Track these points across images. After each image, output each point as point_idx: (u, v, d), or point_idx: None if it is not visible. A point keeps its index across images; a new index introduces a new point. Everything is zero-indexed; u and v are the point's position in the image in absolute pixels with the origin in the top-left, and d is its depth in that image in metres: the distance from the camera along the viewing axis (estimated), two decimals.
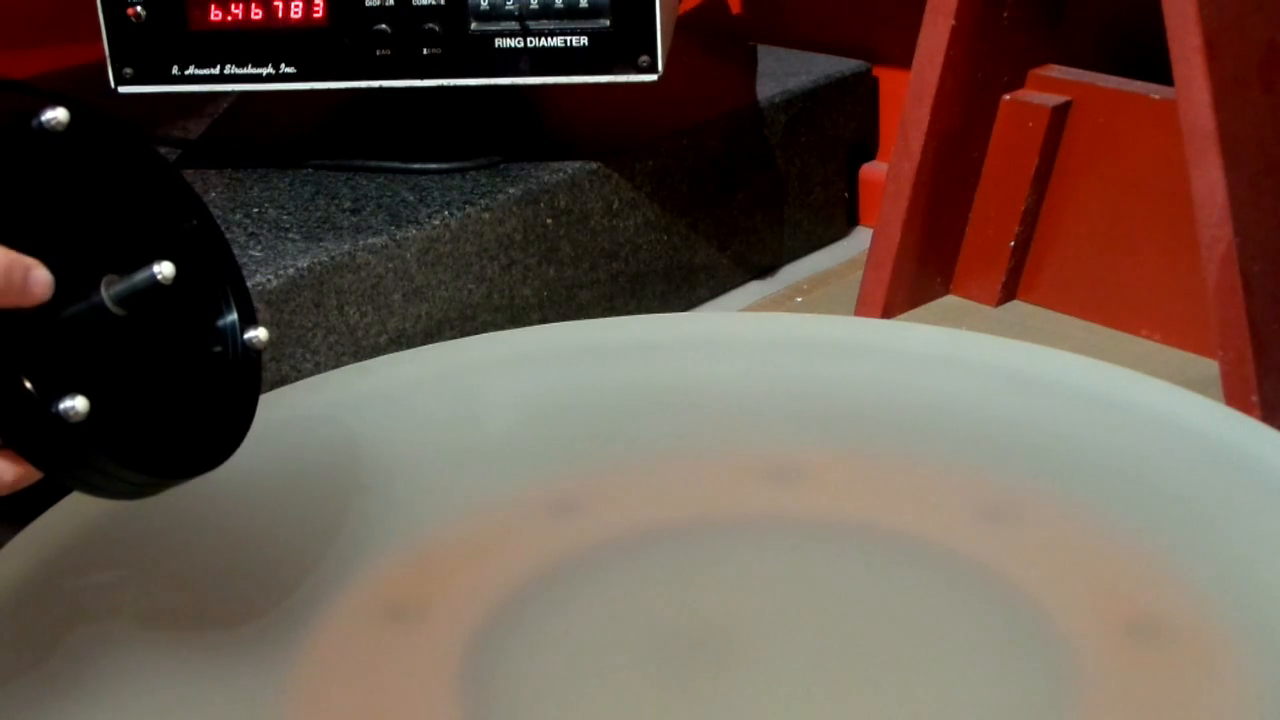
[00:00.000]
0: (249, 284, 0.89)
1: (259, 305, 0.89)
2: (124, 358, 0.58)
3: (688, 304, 1.14)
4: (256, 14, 0.97)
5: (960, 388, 0.86)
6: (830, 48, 1.25)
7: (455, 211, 0.98)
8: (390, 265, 0.95)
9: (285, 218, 0.98)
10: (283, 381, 0.90)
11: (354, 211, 0.99)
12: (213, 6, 0.96)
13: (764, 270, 1.19)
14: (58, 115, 0.55)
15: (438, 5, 0.96)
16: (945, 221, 1.10)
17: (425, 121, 1.08)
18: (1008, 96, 1.07)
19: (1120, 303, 1.06)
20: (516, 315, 1.02)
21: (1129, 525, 0.75)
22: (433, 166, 1.04)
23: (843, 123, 1.22)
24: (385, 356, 0.91)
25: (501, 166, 1.04)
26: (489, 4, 0.96)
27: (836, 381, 0.87)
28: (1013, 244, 1.09)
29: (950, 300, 1.12)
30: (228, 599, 0.72)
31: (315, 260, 0.92)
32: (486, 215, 0.99)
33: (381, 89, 0.98)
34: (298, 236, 0.95)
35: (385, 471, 0.80)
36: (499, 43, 0.97)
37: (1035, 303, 1.10)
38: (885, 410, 0.85)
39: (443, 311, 0.98)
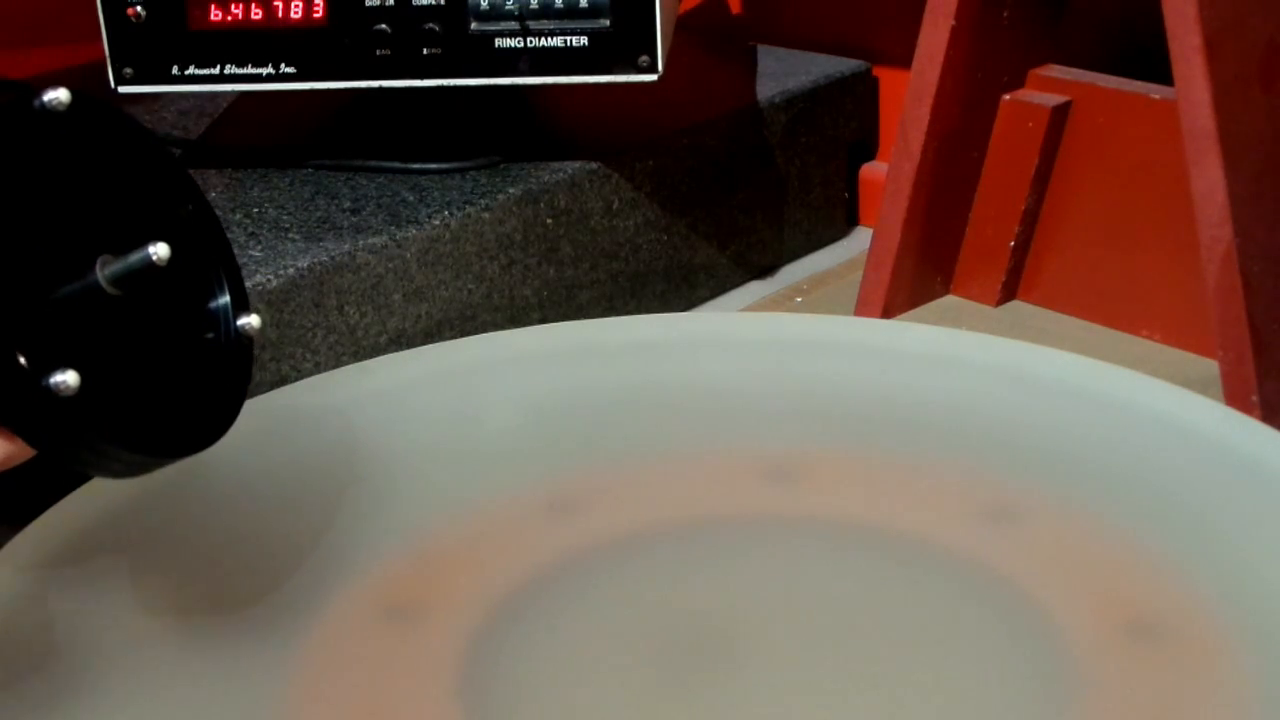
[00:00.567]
0: (249, 284, 0.89)
1: (259, 305, 0.89)
2: (117, 337, 0.58)
3: (688, 304, 1.14)
4: (256, 14, 0.97)
5: (960, 388, 0.86)
6: (830, 48, 1.25)
7: (455, 211, 0.98)
8: (390, 265, 0.95)
9: (285, 218, 0.98)
10: (283, 381, 0.90)
11: (354, 211, 0.99)
12: (213, 6, 0.96)
13: (764, 270, 1.19)
14: (59, 96, 0.56)
15: (438, 5, 0.96)
16: (945, 221, 1.10)
17: (425, 121, 1.08)
18: (1008, 96, 1.07)
19: (1120, 303, 1.06)
20: (516, 315, 1.02)
21: (1129, 525, 0.75)
22: (433, 166, 1.04)
23: (843, 123, 1.22)
24: (385, 356, 0.91)
25: (501, 166, 1.04)
26: (489, 4, 0.96)
27: (836, 381, 0.87)
28: (1013, 244, 1.09)
29: (950, 300, 1.12)
30: (227, 599, 0.72)
31: (315, 260, 0.92)
32: (486, 215, 0.99)
33: (381, 89, 0.98)
34: (298, 236, 0.95)
35: (385, 471, 0.80)
36: (499, 43, 0.97)
37: (1035, 303, 1.10)
38: (885, 410, 0.85)
39: (443, 311, 0.98)
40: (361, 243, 0.94)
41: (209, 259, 0.64)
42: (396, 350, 0.95)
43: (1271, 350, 0.93)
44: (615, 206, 1.06)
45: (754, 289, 1.17)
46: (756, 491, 0.80)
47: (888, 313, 1.08)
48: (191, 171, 1.03)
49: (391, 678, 0.67)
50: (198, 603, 0.72)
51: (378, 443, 0.82)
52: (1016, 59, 1.07)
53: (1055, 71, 1.07)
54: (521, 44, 0.96)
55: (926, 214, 1.08)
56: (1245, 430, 0.79)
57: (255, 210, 0.99)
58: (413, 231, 0.96)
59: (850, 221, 1.26)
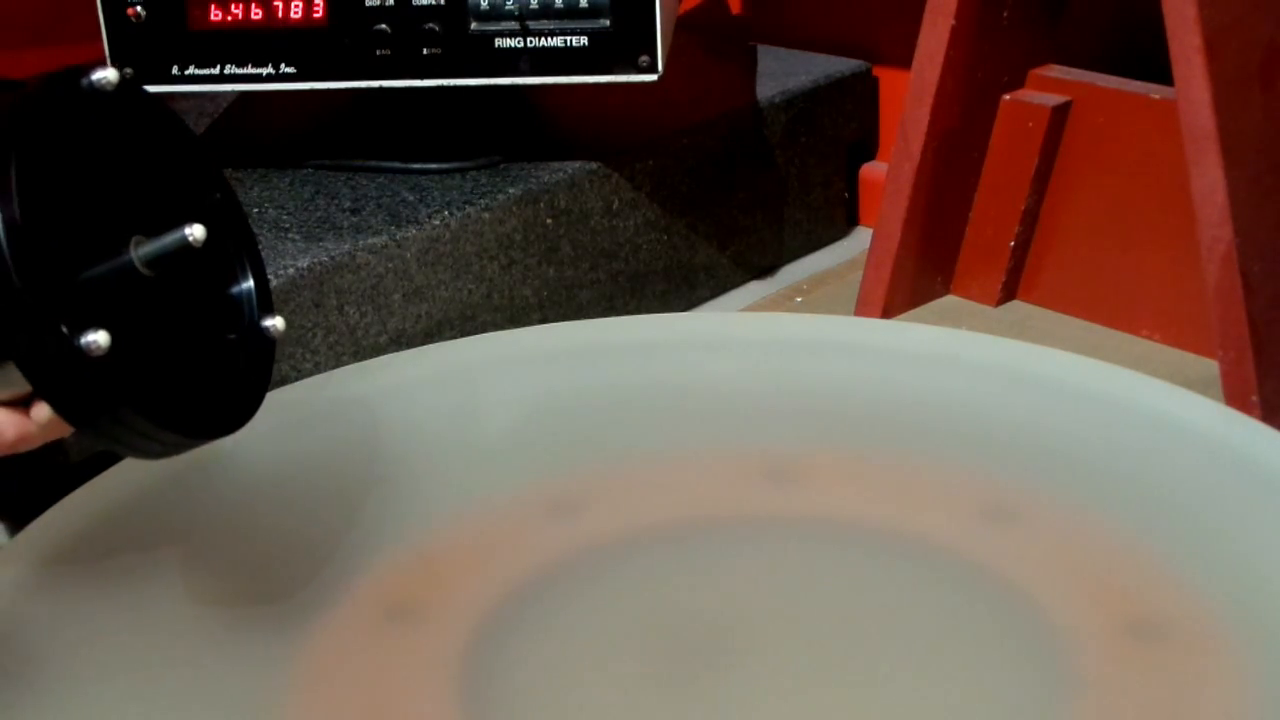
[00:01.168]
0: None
1: None
2: (148, 317, 0.58)
3: (688, 304, 1.14)
4: (256, 14, 0.97)
5: (960, 388, 0.86)
6: (830, 48, 1.25)
7: (455, 211, 0.98)
8: (390, 265, 0.95)
9: (285, 218, 0.98)
10: (283, 381, 0.90)
11: (354, 211, 0.99)
12: (213, 6, 0.96)
13: (764, 270, 1.19)
14: (108, 76, 0.57)
15: (438, 5, 0.96)
16: (945, 221, 1.10)
17: (425, 121, 1.08)
18: (1008, 96, 1.07)
19: (1120, 303, 1.06)
20: (516, 315, 1.02)
21: (1129, 525, 0.75)
22: (433, 166, 1.04)
23: (843, 123, 1.22)
24: (385, 356, 0.91)
25: (501, 166, 1.04)
26: (489, 4, 0.96)
27: (836, 381, 0.87)
28: (1013, 244, 1.09)
29: (950, 300, 1.12)
30: (228, 598, 0.72)
31: (315, 260, 0.92)
32: (486, 215, 0.99)
33: (381, 89, 0.98)
34: (298, 236, 0.95)
35: (385, 471, 0.80)
36: (499, 43, 0.97)
37: (1035, 303, 1.10)
38: (885, 410, 0.85)
39: (443, 311, 0.98)
40: (361, 243, 0.94)
41: (234, 246, 0.64)
42: (396, 350, 0.95)
43: (1271, 350, 0.93)
44: (615, 206, 1.06)
45: (754, 289, 1.17)
46: (756, 491, 0.80)
47: (888, 313, 1.08)
48: None
49: (391, 678, 0.67)
50: (198, 602, 0.72)
51: (378, 443, 0.82)
52: (1016, 59, 1.07)
53: (1055, 71, 1.07)
54: (521, 44, 0.96)
55: (926, 214, 1.08)
56: (1245, 430, 0.79)
57: (255, 210, 0.99)
58: (413, 231, 0.96)
59: (850, 221, 1.26)
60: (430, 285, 0.97)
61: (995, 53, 1.05)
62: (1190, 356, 1.02)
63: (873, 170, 1.25)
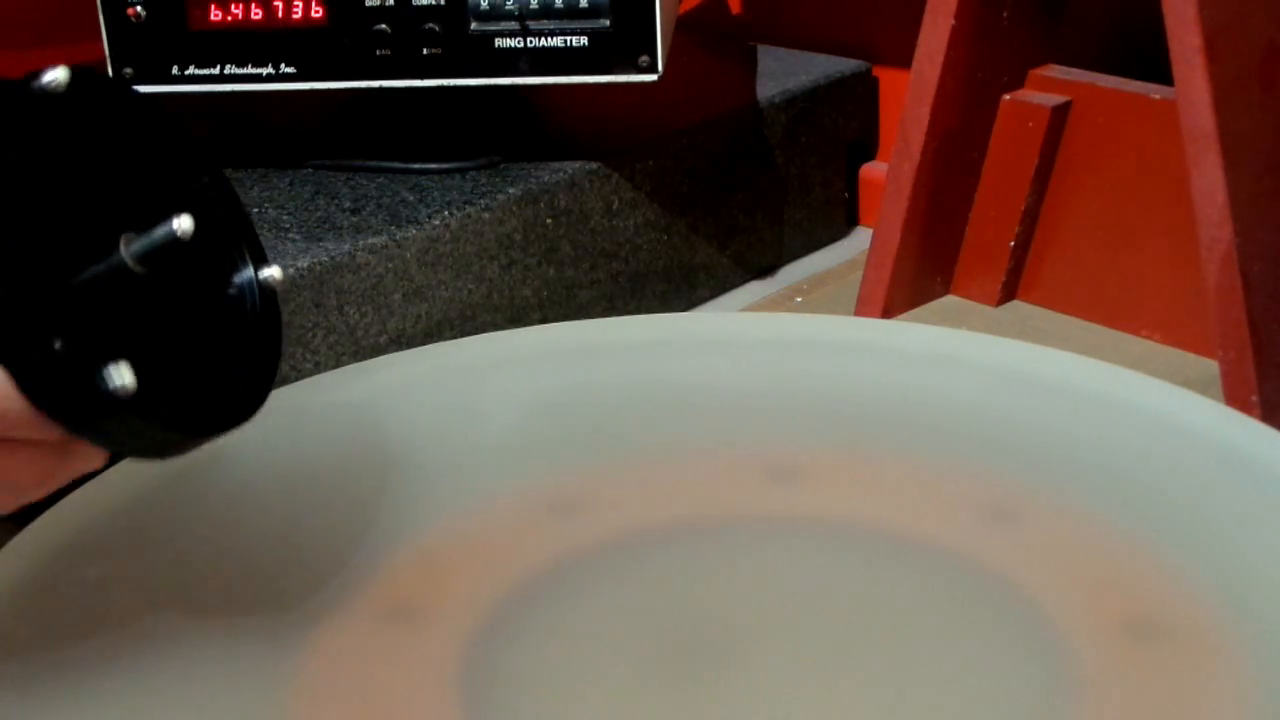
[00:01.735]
0: None
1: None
2: (149, 317, 0.57)
3: (688, 304, 1.14)
4: (256, 14, 0.97)
5: (960, 388, 0.86)
6: (830, 48, 1.25)
7: (455, 211, 0.98)
8: (390, 265, 0.95)
9: (285, 218, 0.98)
10: (283, 381, 0.90)
11: (354, 211, 0.99)
12: (213, 6, 0.97)
13: (764, 270, 1.19)
14: (57, 76, 0.55)
15: (438, 5, 0.96)
16: (945, 221, 1.10)
17: (425, 121, 1.08)
18: (1008, 96, 1.07)
19: (1120, 303, 1.06)
20: (516, 315, 1.02)
21: (1129, 525, 0.75)
22: (433, 166, 1.04)
23: (843, 123, 1.22)
24: (385, 356, 0.91)
25: (501, 166, 1.04)
26: (489, 4, 0.96)
27: (836, 381, 0.87)
28: (1013, 244, 1.09)
29: (950, 300, 1.12)
30: (226, 598, 0.72)
31: (315, 260, 0.92)
32: (486, 215, 0.99)
33: (381, 89, 0.98)
34: (298, 236, 0.95)
35: (384, 471, 0.80)
36: (499, 43, 0.97)
37: (1035, 303, 1.10)
38: (885, 410, 0.85)
39: (443, 311, 0.98)
40: (361, 243, 0.94)
41: (228, 228, 0.63)
42: (396, 350, 0.95)
43: (1271, 350, 0.93)
44: (615, 206, 1.06)
45: (754, 289, 1.17)
46: (757, 491, 0.80)
47: (888, 313, 1.08)
48: None
49: (391, 678, 0.67)
50: (197, 602, 0.71)
51: (377, 443, 0.82)
52: (1016, 59, 1.07)
53: (1055, 71, 1.07)
54: (521, 44, 0.96)
55: (926, 214, 1.08)
56: (1245, 430, 0.79)
57: (255, 210, 0.99)
58: (413, 231, 0.96)
59: (850, 221, 1.26)
60: (430, 285, 0.97)
61: (995, 53, 1.05)
62: (1190, 356, 1.02)
63: (873, 170, 1.25)
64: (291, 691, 0.66)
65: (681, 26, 1.10)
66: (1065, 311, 1.09)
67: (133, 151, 0.60)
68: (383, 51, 0.97)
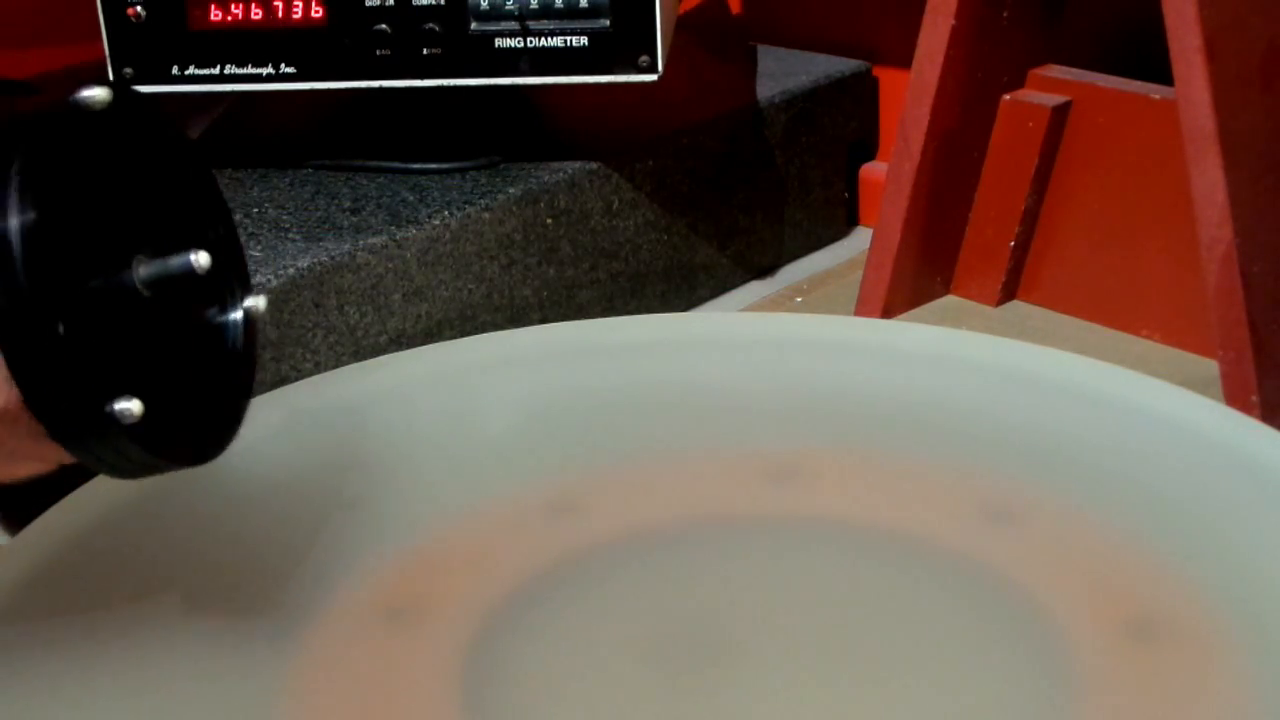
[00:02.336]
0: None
1: None
2: (145, 340, 0.58)
3: (688, 304, 1.14)
4: (256, 14, 0.97)
5: (960, 388, 0.86)
6: (830, 48, 1.25)
7: (455, 211, 0.98)
8: (390, 265, 0.95)
9: (285, 218, 0.98)
10: (283, 381, 0.90)
11: (354, 211, 0.99)
12: (213, 6, 0.96)
13: (764, 270, 1.19)
14: (97, 95, 0.56)
15: (438, 5, 0.96)
16: (945, 221, 1.10)
17: (425, 121, 1.08)
18: (1008, 96, 1.07)
19: (1120, 303, 1.06)
20: (516, 315, 1.02)
21: (1129, 525, 0.75)
22: (433, 166, 1.04)
23: (843, 123, 1.22)
24: (385, 356, 0.91)
25: (501, 166, 1.04)
26: (489, 4, 0.96)
27: (836, 381, 0.87)
28: (1013, 244, 1.09)
29: (950, 300, 1.12)
30: (226, 599, 0.72)
31: (315, 260, 0.92)
32: (486, 215, 0.99)
33: (381, 89, 0.98)
34: (298, 236, 0.95)
35: (385, 471, 0.80)
36: (499, 43, 0.97)
37: (1035, 303, 1.10)
38: (885, 410, 0.85)
39: (443, 311, 0.99)
40: (361, 243, 0.94)
41: (227, 263, 0.63)
42: (396, 350, 0.95)
43: (1271, 350, 0.93)
44: (615, 206, 1.06)
45: (754, 289, 1.17)
46: (756, 491, 0.80)
47: (888, 313, 1.08)
48: None
49: (391, 678, 0.67)
50: (197, 602, 0.71)
51: (377, 443, 0.82)
52: (1016, 59, 1.07)
53: (1055, 71, 1.07)
54: (521, 44, 0.96)
55: (926, 214, 1.08)
56: (1245, 430, 0.79)
57: (255, 210, 0.99)
58: (413, 231, 0.96)
59: (850, 221, 1.26)
60: (430, 285, 0.97)
61: (995, 53, 1.05)
62: (1190, 356, 1.02)
63: (873, 170, 1.25)
64: (291, 691, 0.66)
65: (681, 26, 1.10)
66: (1065, 311, 1.09)
67: (158, 180, 0.60)
68: (383, 51, 0.97)
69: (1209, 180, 0.91)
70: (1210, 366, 0.96)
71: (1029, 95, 1.07)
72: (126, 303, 0.57)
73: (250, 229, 0.96)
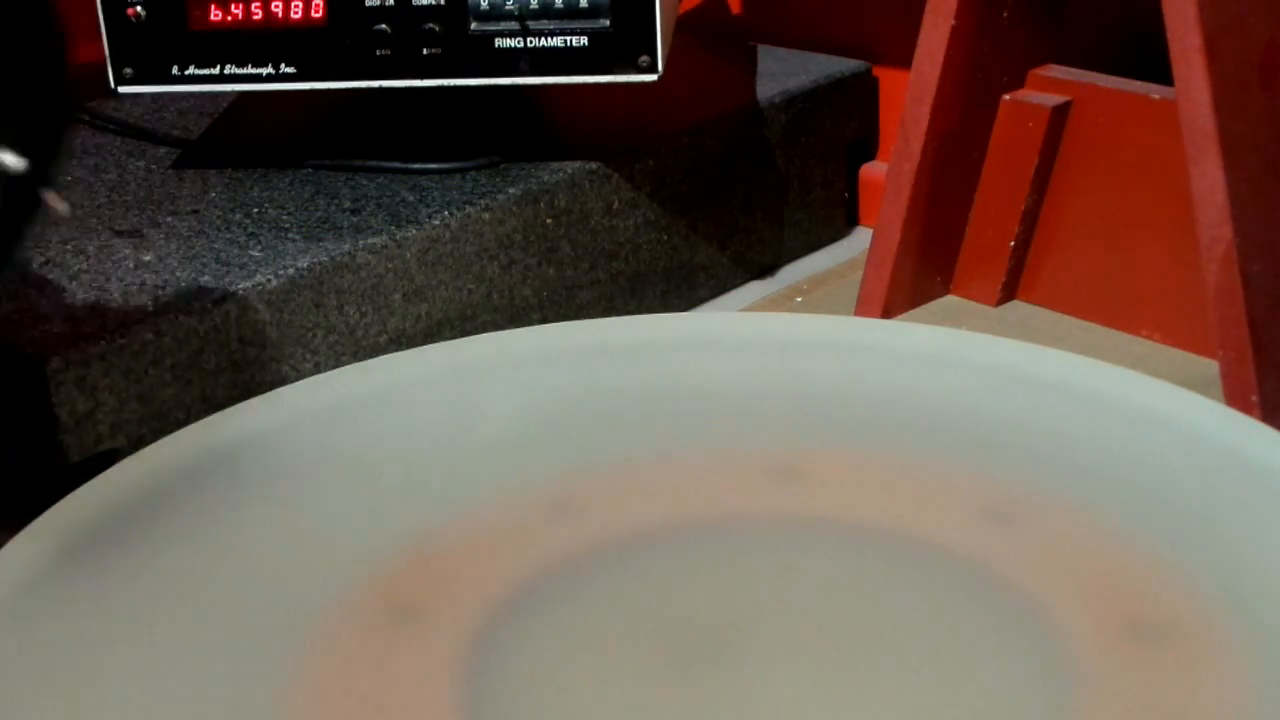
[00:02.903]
0: (249, 283, 0.89)
1: (259, 305, 0.89)
2: None
3: (688, 304, 1.14)
4: (256, 14, 0.97)
5: (960, 388, 0.86)
6: (830, 48, 1.25)
7: (455, 211, 0.98)
8: (390, 265, 0.95)
9: (285, 218, 0.98)
10: (282, 381, 0.90)
11: (354, 211, 0.99)
12: (213, 6, 0.96)
13: (764, 270, 1.19)
14: None
15: (438, 5, 0.96)
16: (945, 221, 1.10)
17: (425, 121, 1.08)
18: (1008, 96, 1.07)
19: (1120, 303, 1.06)
20: (516, 315, 1.02)
21: (1129, 525, 0.75)
22: (433, 166, 1.04)
23: (843, 123, 1.22)
24: (385, 356, 0.91)
25: (501, 166, 1.04)
26: (489, 4, 0.96)
27: (836, 381, 0.87)
28: (1013, 244, 1.09)
29: (950, 300, 1.12)
30: (227, 598, 0.72)
31: (315, 260, 0.92)
32: (486, 215, 0.99)
33: (381, 89, 0.98)
34: (298, 236, 0.95)
35: (385, 471, 0.80)
36: (499, 43, 0.97)
37: (1035, 303, 1.10)
38: (885, 410, 0.85)
39: (443, 311, 0.99)
40: (361, 243, 0.94)
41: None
42: (396, 350, 0.95)
43: (1271, 350, 0.93)
44: (615, 206, 1.06)
45: (754, 289, 1.17)
46: (756, 491, 0.80)
47: (888, 313, 1.08)
48: (192, 171, 1.04)
49: (391, 678, 0.67)
50: (196, 602, 0.71)
51: (377, 443, 0.82)
52: (1016, 59, 1.07)
53: (1055, 71, 1.07)
54: (521, 44, 0.96)
55: (926, 214, 1.08)
56: (1245, 430, 0.79)
57: (255, 210, 0.99)
58: (413, 231, 0.96)
59: (850, 221, 1.26)
60: (430, 285, 0.97)
61: (995, 53, 1.05)
62: (1190, 356, 1.02)
63: (873, 170, 1.25)
64: (291, 691, 0.66)
65: (681, 26, 1.10)
66: (1065, 311, 1.09)
67: None
68: (383, 51, 0.97)
69: (1209, 180, 0.91)
70: (1210, 366, 0.96)
71: (1029, 95, 1.07)
72: None
73: (250, 229, 0.96)
